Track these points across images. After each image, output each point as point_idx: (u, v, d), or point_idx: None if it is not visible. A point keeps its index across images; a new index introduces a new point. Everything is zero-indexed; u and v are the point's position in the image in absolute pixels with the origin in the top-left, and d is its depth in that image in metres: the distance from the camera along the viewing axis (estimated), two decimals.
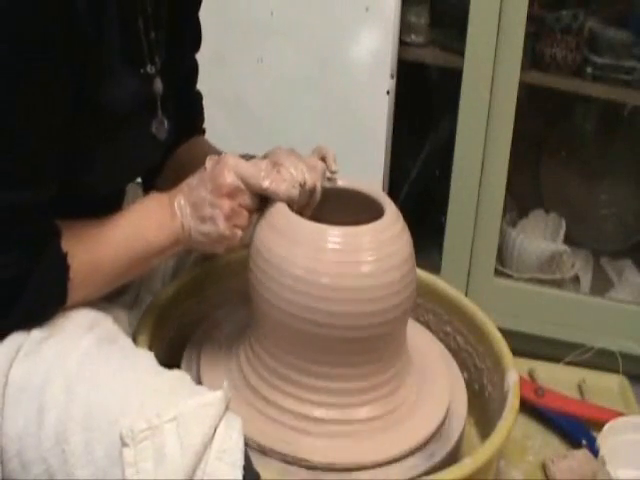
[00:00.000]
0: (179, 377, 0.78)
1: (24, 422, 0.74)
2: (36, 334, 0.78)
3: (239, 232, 0.87)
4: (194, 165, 0.92)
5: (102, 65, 0.79)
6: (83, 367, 0.76)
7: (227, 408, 0.74)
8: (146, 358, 0.80)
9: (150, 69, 0.89)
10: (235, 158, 0.87)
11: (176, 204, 0.87)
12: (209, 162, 0.89)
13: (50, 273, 0.79)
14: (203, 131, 1.16)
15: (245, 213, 0.87)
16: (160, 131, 0.93)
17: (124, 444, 0.70)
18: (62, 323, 0.81)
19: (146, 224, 0.87)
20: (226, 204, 0.85)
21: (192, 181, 0.88)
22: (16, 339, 0.77)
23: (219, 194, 0.85)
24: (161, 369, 0.79)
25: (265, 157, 0.92)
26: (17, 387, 0.75)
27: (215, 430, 0.72)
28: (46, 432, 0.73)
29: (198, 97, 1.14)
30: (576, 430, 1.17)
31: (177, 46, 0.96)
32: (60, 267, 0.80)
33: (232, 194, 0.85)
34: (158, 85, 0.91)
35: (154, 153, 0.97)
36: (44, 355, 0.77)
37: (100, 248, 0.84)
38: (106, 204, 0.92)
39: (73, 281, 0.81)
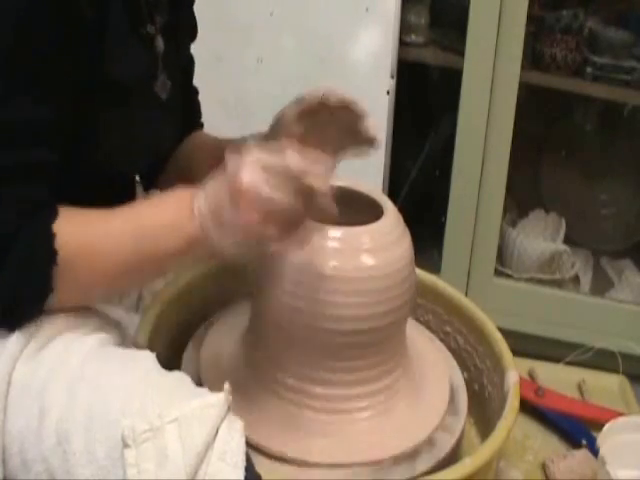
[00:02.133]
0: (180, 379, 0.78)
1: (26, 420, 0.74)
2: (40, 336, 0.78)
3: (271, 237, 0.76)
4: (197, 158, 0.90)
5: (107, 33, 0.78)
6: (85, 368, 0.76)
7: (229, 410, 0.74)
8: (148, 360, 0.80)
9: (150, 29, 0.89)
10: (255, 153, 0.76)
11: (196, 205, 0.77)
12: (230, 160, 0.77)
13: (33, 252, 0.74)
14: (201, 125, 1.16)
15: (271, 221, 0.76)
16: (162, 91, 0.91)
17: (125, 445, 0.70)
18: (66, 325, 0.81)
19: (158, 220, 0.79)
20: (249, 214, 0.75)
21: (213, 183, 0.78)
22: (20, 340, 0.77)
23: (239, 202, 0.75)
24: (163, 371, 0.79)
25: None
26: (20, 386, 0.75)
27: (217, 431, 0.72)
28: (47, 431, 0.73)
29: (195, 92, 1.14)
30: (576, 430, 1.17)
31: (177, 7, 0.95)
32: (45, 247, 0.74)
33: (253, 201, 0.74)
34: (159, 44, 0.91)
35: (163, 121, 0.95)
36: (47, 356, 0.77)
37: (99, 237, 0.78)
38: (118, 196, 0.85)
39: (62, 268, 0.75)
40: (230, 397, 0.75)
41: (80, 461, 0.72)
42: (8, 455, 0.75)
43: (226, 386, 0.75)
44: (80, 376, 0.75)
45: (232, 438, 0.72)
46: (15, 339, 0.77)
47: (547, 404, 1.21)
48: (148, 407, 0.72)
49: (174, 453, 0.69)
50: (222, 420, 0.73)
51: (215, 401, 0.73)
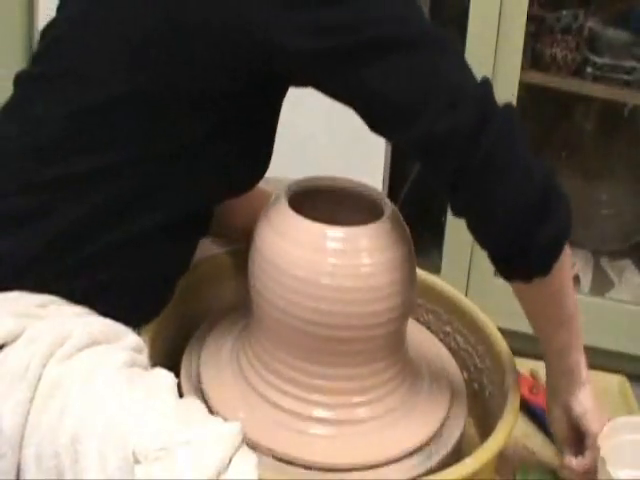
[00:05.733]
0: (195, 405, 0.79)
1: (48, 415, 0.74)
2: (75, 338, 0.77)
3: None
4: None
5: None
6: (110, 384, 0.75)
7: (243, 441, 0.74)
8: (167, 386, 0.79)
9: None
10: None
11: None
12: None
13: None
14: None
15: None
16: None
17: (137, 461, 0.70)
18: (100, 332, 0.80)
19: None
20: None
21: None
22: (57, 340, 0.77)
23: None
24: (180, 399, 0.79)
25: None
26: (50, 383, 0.75)
27: (230, 461, 0.71)
28: (64, 428, 0.73)
29: None
30: None
31: None
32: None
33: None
34: None
35: None
36: (78, 364, 0.76)
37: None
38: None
39: None
40: (245, 431, 0.74)
41: (91, 466, 0.71)
42: (26, 444, 0.75)
43: (241, 416, 0.74)
44: (103, 390, 0.75)
45: (244, 471, 0.72)
46: (51, 339, 0.76)
47: (543, 403, 1.21)
48: (162, 429, 0.72)
49: (184, 476, 0.69)
50: (236, 450, 0.72)
51: (229, 431, 0.73)
